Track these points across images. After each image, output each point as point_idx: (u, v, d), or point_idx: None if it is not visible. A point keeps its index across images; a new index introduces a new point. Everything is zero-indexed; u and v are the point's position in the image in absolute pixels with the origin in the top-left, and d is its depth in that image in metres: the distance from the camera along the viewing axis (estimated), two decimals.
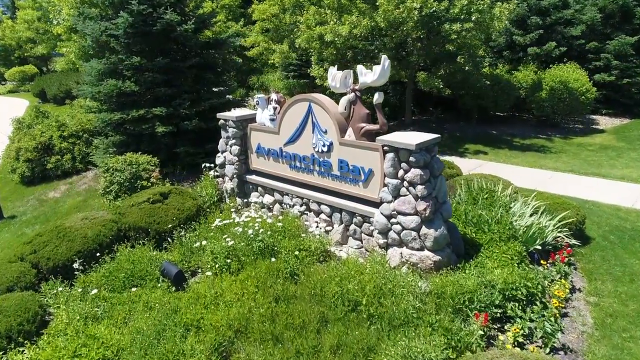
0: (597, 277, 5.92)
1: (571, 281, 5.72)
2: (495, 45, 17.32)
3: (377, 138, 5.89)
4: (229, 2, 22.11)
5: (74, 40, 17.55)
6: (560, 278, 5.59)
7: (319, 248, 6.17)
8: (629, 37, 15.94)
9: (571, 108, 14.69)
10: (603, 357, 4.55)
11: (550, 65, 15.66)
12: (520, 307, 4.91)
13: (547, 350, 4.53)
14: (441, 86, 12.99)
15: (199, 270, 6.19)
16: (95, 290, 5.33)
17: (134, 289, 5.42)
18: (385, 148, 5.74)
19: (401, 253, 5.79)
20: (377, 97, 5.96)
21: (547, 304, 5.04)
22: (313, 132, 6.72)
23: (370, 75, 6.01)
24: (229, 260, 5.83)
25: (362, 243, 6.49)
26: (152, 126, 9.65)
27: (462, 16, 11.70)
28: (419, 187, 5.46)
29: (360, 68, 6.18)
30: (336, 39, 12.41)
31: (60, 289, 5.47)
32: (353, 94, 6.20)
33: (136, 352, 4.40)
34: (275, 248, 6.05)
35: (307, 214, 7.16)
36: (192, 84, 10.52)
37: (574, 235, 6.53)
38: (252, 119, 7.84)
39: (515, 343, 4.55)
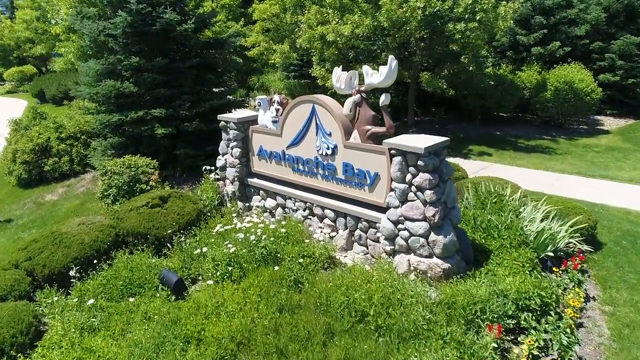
0: (612, 284, 5.72)
1: (585, 289, 5.53)
2: (498, 45, 17.14)
3: (383, 141, 5.70)
4: (229, 2, 21.89)
5: (72, 40, 17.36)
6: (573, 286, 5.40)
7: (324, 254, 5.98)
8: (634, 37, 15.76)
9: (576, 109, 14.51)
10: None
11: (554, 66, 15.46)
12: (534, 318, 4.72)
13: None
14: (445, 86, 12.80)
15: (200, 278, 6.00)
16: (92, 301, 5.12)
17: (132, 299, 5.22)
18: (392, 151, 5.55)
19: (409, 260, 5.60)
20: (384, 99, 5.77)
21: (562, 314, 4.85)
22: (317, 135, 6.53)
23: (377, 76, 5.81)
24: (230, 268, 5.63)
25: (367, 249, 6.29)
26: (152, 128, 9.45)
27: (467, 15, 11.52)
28: (428, 192, 5.26)
29: (366, 69, 5.99)
30: (338, 38, 12.22)
31: (56, 298, 5.28)
32: (358, 95, 6.01)
33: None
34: (279, 255, 5.86)
35: (310, 219, 6.96)
36: (192, 85, 10.32)
37: (586, 241, 6.33)
38: (253, 120, 7.65)
39: (530, 356, 4.36)
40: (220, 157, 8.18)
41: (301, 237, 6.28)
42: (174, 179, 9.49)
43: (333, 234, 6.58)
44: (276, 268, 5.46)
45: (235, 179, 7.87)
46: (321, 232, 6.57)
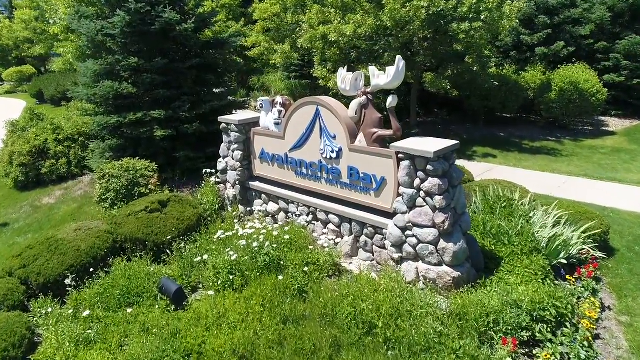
0: (627, 293, 5.53)
1: (600, 298, 5.33)
2: (501, 45, 16.92)
3: (391, 145, 5.51)
4: (229, 1, 21.68)
5: (71, 40, 17.16)
6: (588, 295, 5.20)
7: (328, 261, 5.78)
8: (639, 37, 15.56)
9: (581, 110, 14.30)
10: None
11: (559, 66, 15.25)
12: (549, 330, 4.52)
13: None
14: (448, 87, 12.59)
15: (200, 286, 5.80)
16: (87, 312, 4.91)
17: (129, 309, 5.01)
18: (400, 155, 5.35)
19: (417, 268, 5.40)
20: (391, 101, 5.57)
21: (577, 325, 4.65)
22: (321, 137, 6.33)
23: (384, 77, 5.61)
24: (232, 276, 5.43)
25: (373, 255, 6.09)
26: (151, 130, 9.24)
27: (471, 15, 11.32)
28: (437, 197, 5.07)
29: (372, 69, 5.79)
30: (340, 38, 12.02)
31: (50, 309, 5.07)
32: (364, 97, 5.80)
33: None
34: (282, 262, 5.65)
35: (314, 224, 6.76)
36: (192, 86, 10.11)
37: (598, 247, 6.14)
38: (255, 122, 7.45)
39: None
40: (221, 159, 7.98)
41: (305, 243, 6.08)
42: (173, 182, 9.29)
43: (337, 239, 6.38)
44: (280, 277, 5.24)
45: (237, 183, 7.67)
46: (326, 237, 6.37)
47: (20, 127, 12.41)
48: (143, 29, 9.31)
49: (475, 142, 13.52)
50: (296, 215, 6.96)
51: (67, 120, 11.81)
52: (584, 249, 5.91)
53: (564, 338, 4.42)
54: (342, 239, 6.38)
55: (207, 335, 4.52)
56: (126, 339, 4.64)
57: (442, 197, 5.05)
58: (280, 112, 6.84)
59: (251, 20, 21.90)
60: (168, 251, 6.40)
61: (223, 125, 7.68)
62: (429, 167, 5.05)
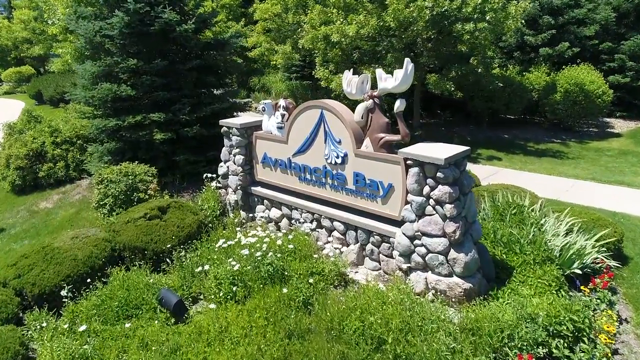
0: None
1: (617, 310, 5.13)
2: (505, 46, 16.74)
3: (399, 150, 5.32)
4: (229, 2, 21.48)
5: (69, 40, 16.94)
6: (605, 308, 5.00)
7: (334, 271, 5.59)
8: None
9: (587, 111, 14.11)
10: None
11: (563, 67, 15.07)
12: (566, 345, 4.32)
13: None
14: (452, 89, 12.40)
15: (201, 297, 5.60)
16: (84, 327, 4.71)
17: (128, 324, 4.81)
18: (408, 162, 5.15)
19: (426, 278, 5.21)
20: (399, 105, 5.38)
21: (595, 340, 4.46)
22: (325, 142, 6.14)
23: (391, 80, 5.41)
24: (234, 287, 5.23)
25: (380, 264, 5.90)
26: (150, 133, 9.05)
27: (475, 15, 11.13)
28: (448, 206, 4.87)
29: (379, 72, 5.59)
30: (343, 39, 11.82)
31: (45, 324, 4.86)
32: (371, 101, 5.61)
33: None
34: (286, 272, 5.45)
35: (318, 231, 6.56)
36: (192, 88, 9.90)
37: (612, 256, 5.94)
38: (257, 126, 7.25)
39: None
40: (222, 164, 7.78)
41: (309, 252, 5.88)
42: (173, 187, 9.09)
43: (343, 248, 6.19)
44: (284, 290, 5.03)
45: (238, 188, 7.47)
46: (331, 245, 6.18)
47: (17, 129, 12.19)
48: (142, 30, 9.11)
49: (480, 145, 13.33)
50: (300, 222, 6.77)
51: (65, 123, 11.61)
52: (598, 257, 5.72)
53: (582, 354, 4.23)
54: (347, 247, 6.18)
55: (208, 351, 4.33)
56: (124, 355, 4.44)
57: (452, 205, 4.86)
58: (283, 115, 6.65)
59: (252, 21, 21.72)
60: (168, 260, 6.20)
61: (224, 129, 7.48)
62: (439, 174, 4.86)
